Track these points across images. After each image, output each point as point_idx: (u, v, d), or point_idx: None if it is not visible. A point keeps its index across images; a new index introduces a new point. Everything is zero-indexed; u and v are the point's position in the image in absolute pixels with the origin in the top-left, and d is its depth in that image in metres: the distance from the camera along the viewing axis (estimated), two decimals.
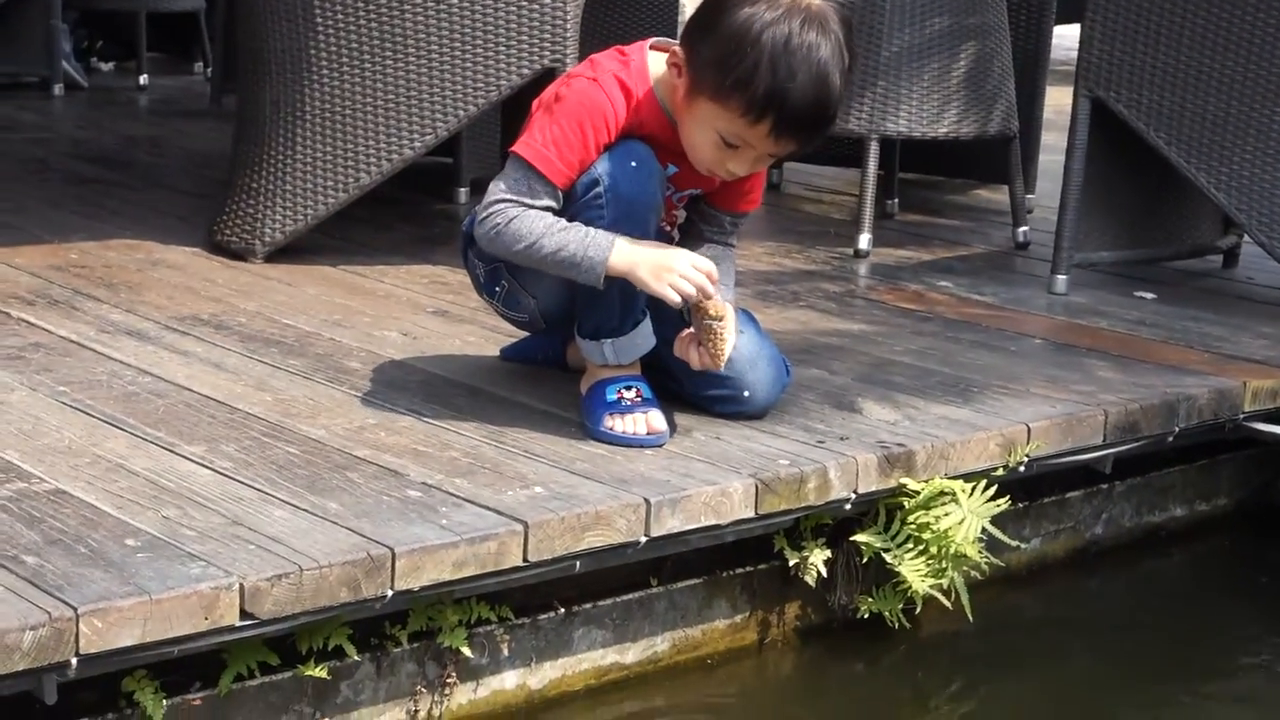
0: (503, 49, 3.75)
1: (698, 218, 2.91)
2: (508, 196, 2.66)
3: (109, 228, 4.18)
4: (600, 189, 2.66)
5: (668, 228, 2.90)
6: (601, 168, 2.67)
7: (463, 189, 4.78)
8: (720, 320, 2.65)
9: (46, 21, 6.49)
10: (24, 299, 3.43)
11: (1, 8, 6.34)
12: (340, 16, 3.74)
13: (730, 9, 2.58)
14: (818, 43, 2.56)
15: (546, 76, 3.69)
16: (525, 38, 3.75)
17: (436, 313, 3.52)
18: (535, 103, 2.79)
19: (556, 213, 2.68)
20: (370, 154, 3.80)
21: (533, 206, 2.65)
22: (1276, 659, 3.03)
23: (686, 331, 2.72)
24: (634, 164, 2.67)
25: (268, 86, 3.89)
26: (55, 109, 6.42)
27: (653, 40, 2.79)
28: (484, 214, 2.68)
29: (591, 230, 2.63)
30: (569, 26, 3.76)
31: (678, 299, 2.60)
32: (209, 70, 7.12)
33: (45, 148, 5.53)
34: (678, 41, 2.72)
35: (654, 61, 2.74)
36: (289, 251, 3.89)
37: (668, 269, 2.60)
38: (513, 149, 2.71)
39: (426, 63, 3.75)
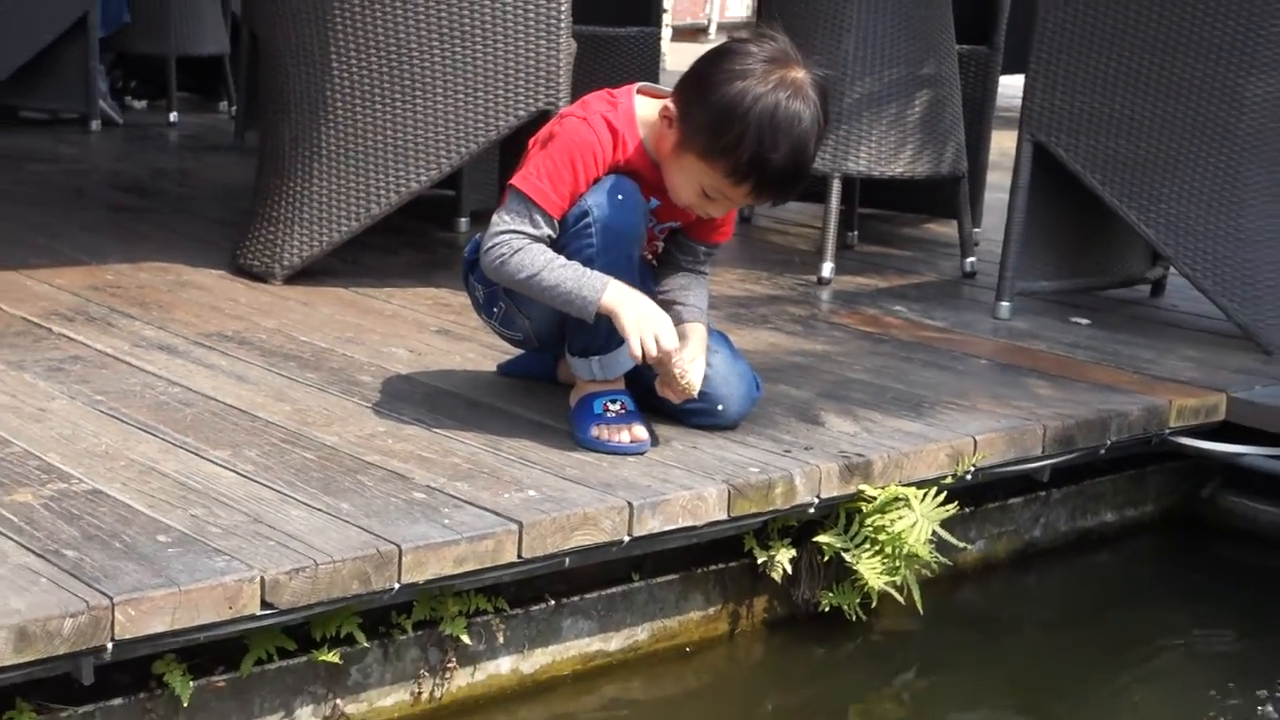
0: (501, 92, 3.76)
1: (674, 247, 2.92)
2: (513, 228, 2.67)
3: (141, 251, 4.18)
4: (590, 219, 2.67)
5: (649, 256, 2.91)
6: (591, 200, 2.68)
7: (463, 219, 4.79)
8: (677, 366, 2.67)
9: (85, 63, 6.48)
10: (64, 316, 3.43)
11: (44, 51, 6.34)
12: (354, 61, 3.75)
13: (724, 81, 2.60)
14: (800, 114, 2.59)
15: (541, 117, 3.69)
16: (522, 82, 3.76)
17: (440, 331, 3.53)
18: (531, 141, 2.80)
19: (553, 241, 2.69)
20: (380, 186, 3.81)
21: (535, 237, 2.66)
22: (1193, 644, 3.04)
23: (658, 379, 2.75)
24: (620, 197, 2.68)
25: (287, 124, 3.89)
26: (92, 143, 6.41)
27: (639, 85, 2.80)
28: (490, 243, 2.69)
29: (586, 270, 2.64)
30: (561, 72, 3.77)
31: (639, 353, 2.61)
32: (233, 109, 7.15)
33: (83, 178, 5.53)
34: (669, 92, 2.73)
35: (640, 105, 2.75)
36: (306, 274, 3.89)
37: (644, 325, 2.61)
38: (512, 182, 2.71)
39: (432, 104, 3.76)
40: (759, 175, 2.61)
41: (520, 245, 2.66)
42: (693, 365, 2.72)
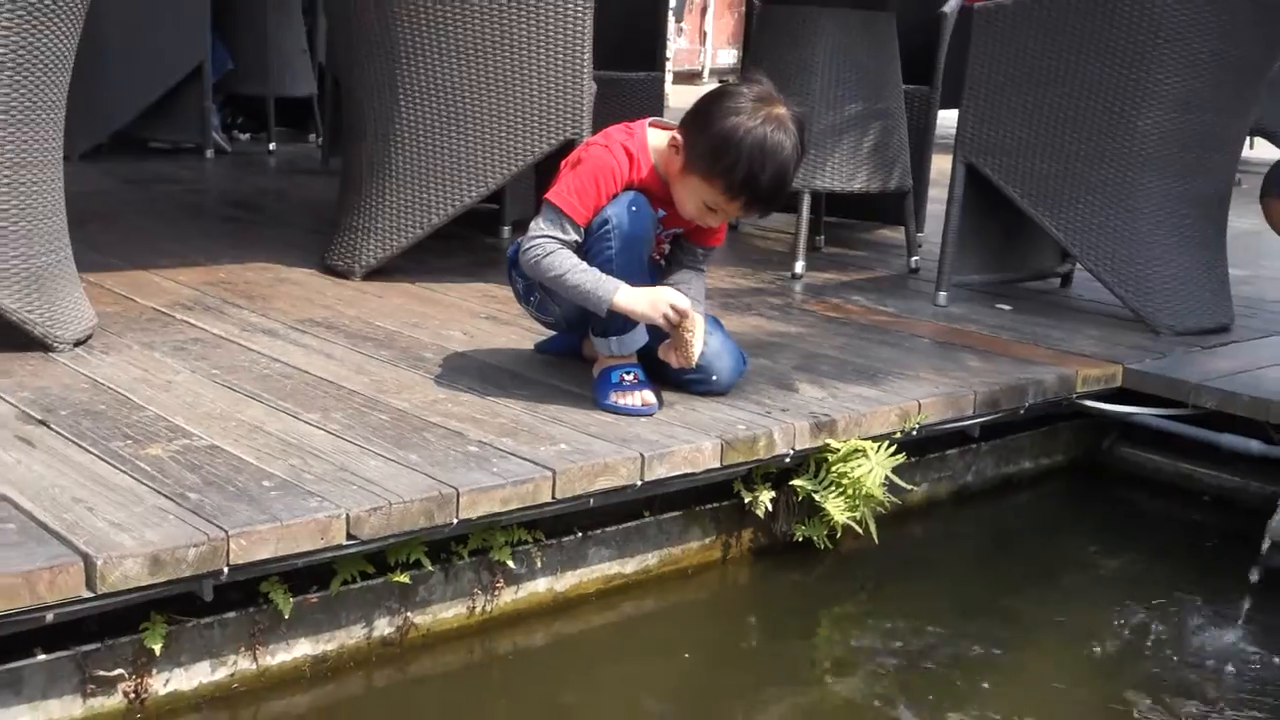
0: (536, 124, 3.76)
1: (678, 249, 2.92)
2: (547, 233, 2.68)
3: (248, 254, 4.18)
4: (609, 226, 2.68)
5: (656, 256, 2.91)
6: (611, 211, 2.68)
7: (506, 227, 4.79)
8: (690, 331, 2.68)
9: (200, 103, 6.50)
10: (186, 306, 3.43)
11: (167, 93, 6.35)
12: (417, 100, 3.75)
13: (721, 116, 2.62)
14: (783, 143, 2.60)
15: (568, 145, 3.70)
16: (552, 116, 3.76)
17: (488, 317, 3.53)
18: (563, 163, 2.80)
19: (579, 245, 2.69)
20: (439, 201, 3.81)
21: (564, 242, 2.67)
22: (1096, 567, 3.04)
23: (666, 342, 2.74)
24: (634, 209, 2.69)
25: (364, 152, 3.89)
26: (207, 168, 6.41)
27: (651, 119, 2.80)
28: (528, 245, 2.69)
29: (603, 276, 2.65)
30: (584, 108, 3.77)
31: (664, 323, 2.64)
32: (320, 139, 7.14)
33: (200, 195, 5.53)
34: (676, 125, 2.74)
35: (652, 135, 2.75)
36: (380, 272, 3.89)
37: (659, 304, 2.63)
38: (547, 197, 2.71)
39: (480, 134, 3.76)
40: (750, 192, 2.62)
41: (553, 249, 2.66)
42: (694, 341, 2.72)
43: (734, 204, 2.66)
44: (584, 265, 2.66)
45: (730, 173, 2.60)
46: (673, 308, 2.63)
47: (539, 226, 2.69)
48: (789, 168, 2.63)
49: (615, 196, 2.69)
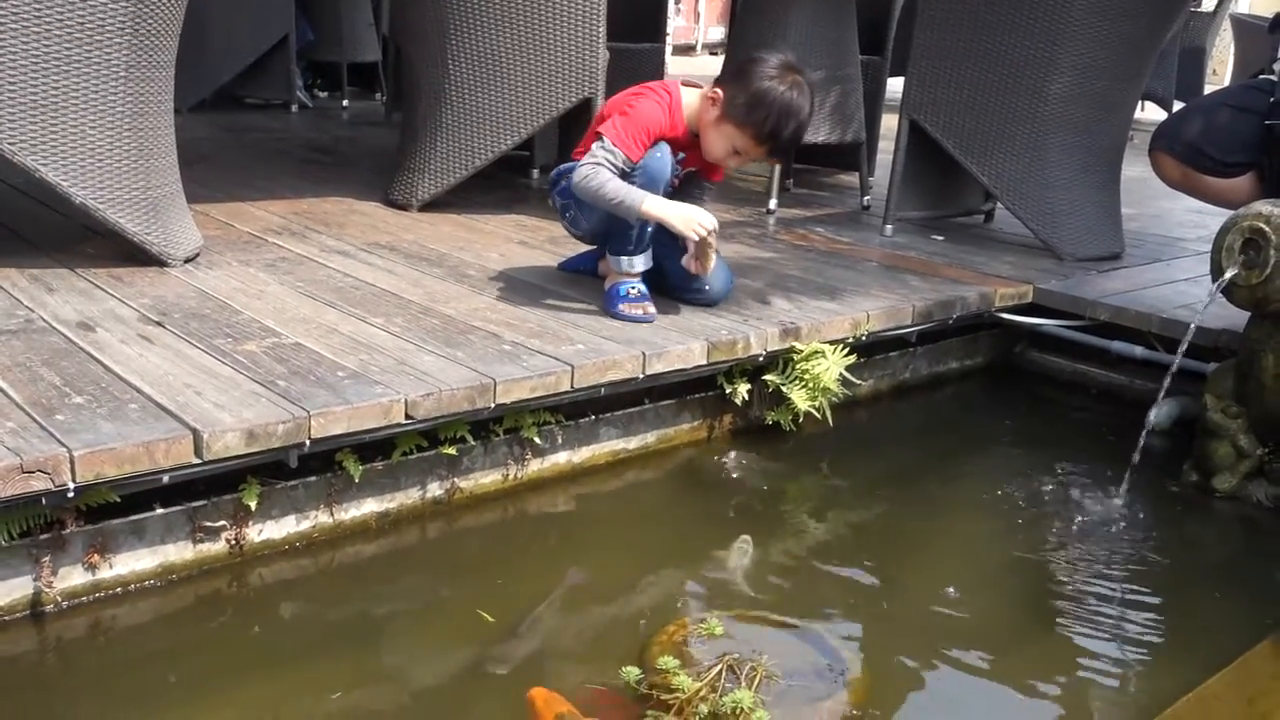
0: (560, 84, 3.70)
1: (687, 183, 2.89)
2: (599, 161, 2.64)
3: (325, 190, 4.14)
4: (640, 166, 2.67)
5: (672, 189, 2.87)
6: (645, 158, 2.67)
7: (535, 170, 4.73)
8: (712, 246, 2.68)
9: (287, 66, 6.41)
10: (275, 231, 3.40)
11: (260, 58, 6.27)
12: (463, 64, 3.68)
13: (758, 79, 2.62)
14: (803, 105, 2.63)
15: (587, 101, 3.66)
16: (573, 78, 3.70)
17: (520, 243, 3.49)
18: (610, 105, 2.77)
19: (624, 173, 2.67)
20: (481, 147, 3.75)
21: (614, 167, 2.65)
22: (1006, 444, 3.04)
23: (690, 253, 2.73)
24: (659, 156, 2.68)
25: (420, 106, 3.84)
26: (292, 120, 6.33)
27: (683, 78, 2.80)
28: (584, 165, 2.65)
29: (634, 189, 2.62)
30: (599, 72, 3.72)
31: (694, 238, 2.62)
32: (384, 97, 7.05)
33: (287, 143, 5.46)
34: (702, 83, 2.73)
35: (685, 94, 2.74)
36: (432, 205, 3.85)
37: (691, 219, 2.60)
38: (602, 132, 2.68)
39: (514, 92, 3.70)
40: (773, 141, 2.64)
41: (600, 168, 2.64)
42: (712, 254, 2.72)
43: (760, 149, 2.68)
44: (621, 181, 2.63)
45: (762, 124, 2.62)
46: (702, 226, 2.62)
47: (596, 154, 2.66)
48: (804, 124, 2.66)
49: (650, 145, 2.68)
